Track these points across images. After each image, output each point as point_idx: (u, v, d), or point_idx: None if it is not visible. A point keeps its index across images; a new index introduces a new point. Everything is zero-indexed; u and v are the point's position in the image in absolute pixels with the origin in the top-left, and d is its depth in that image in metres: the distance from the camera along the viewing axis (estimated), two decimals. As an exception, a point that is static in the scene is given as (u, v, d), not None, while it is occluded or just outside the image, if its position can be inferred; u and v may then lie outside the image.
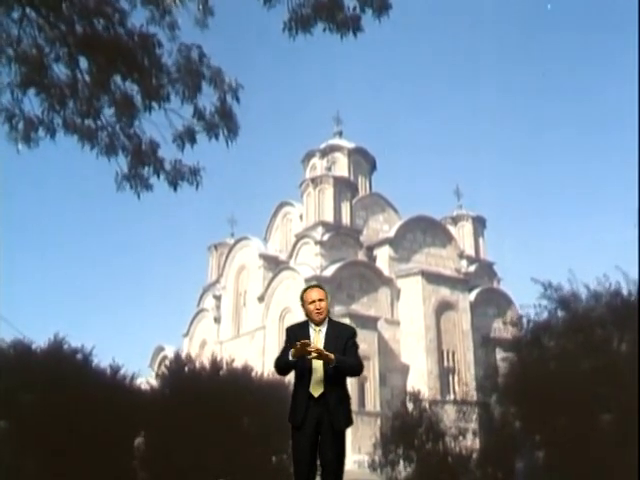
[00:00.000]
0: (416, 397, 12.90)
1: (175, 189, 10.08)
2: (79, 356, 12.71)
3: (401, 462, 12.44)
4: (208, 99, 9.26)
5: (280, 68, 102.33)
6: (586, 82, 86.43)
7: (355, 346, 4.71)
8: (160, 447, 12.90)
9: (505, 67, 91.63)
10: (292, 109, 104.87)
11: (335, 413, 4.48)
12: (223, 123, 9.47)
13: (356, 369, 4.69)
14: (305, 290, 4.86)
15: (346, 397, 4.69)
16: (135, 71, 9.06)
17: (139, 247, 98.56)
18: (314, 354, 4.37)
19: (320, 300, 4.70)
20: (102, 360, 13.28)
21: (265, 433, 12.95)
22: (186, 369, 13.31)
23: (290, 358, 4.45)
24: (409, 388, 14.57)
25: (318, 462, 4.56)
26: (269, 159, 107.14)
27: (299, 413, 4.51)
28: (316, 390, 4.50)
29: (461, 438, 12.16)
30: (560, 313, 11.45)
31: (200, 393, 12.38)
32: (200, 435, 12.15)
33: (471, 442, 12.22)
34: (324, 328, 4.70)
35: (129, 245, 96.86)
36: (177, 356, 13.75)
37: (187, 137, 9.71)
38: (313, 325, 4.71)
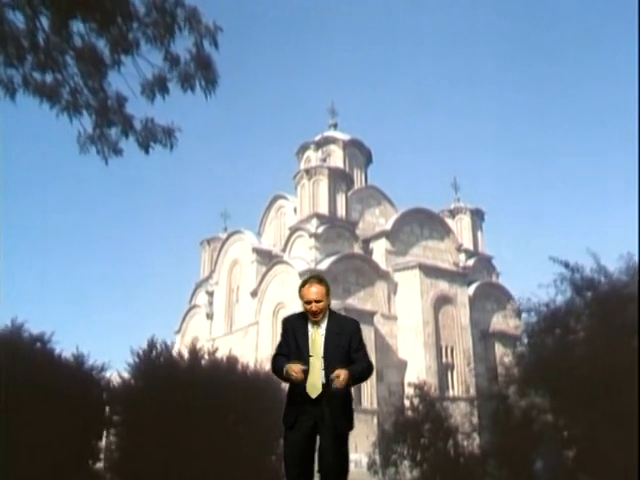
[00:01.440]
0: (422, 389, 11.61)
1: (147, 151, 8.83)
2: (41, 345, 11.37)
3: (405, 462, 11.17)
4: (182, 44, 8.08)
5: (274, 60, 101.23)
6: (587, 75, 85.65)
7: (362, 344, 4.32)
8: (132, 447, 11.54)
9: (505, 59, 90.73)
10: (287, 102, 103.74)
11: (337, 416, 4.08)
12: (200, 73, 8.30)
13: (366, 374, 4.30)
14: (303, 284, 4.34)
15: (348, 398, 4.25)
16: (100, 16, 7.87)
17: (133, 244, 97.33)
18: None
19: (317, 301, 4.23)
20: (91, 358, 12.21)
21: (252, 431, 11.61)
22: (161, 358, 11.96)
23: (283, 375, 4.07)
24: (414, 379, 13.17)
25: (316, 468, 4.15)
26: (263, 153, 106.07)
27: (292, 414, 4.14)
28: (313, 391, 4.07)
29: (475, 435, 10.89)
30: (579, 294, 10.35)
31: (177, 386, 10.88)
32: (177, 434, 10.87)
33: (486, 440, 10.91)
34: (324, 323, 4.29)
35: (124, 242, 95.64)
36: (150, 344, 12.39)
37: (158, 87, 8.50)
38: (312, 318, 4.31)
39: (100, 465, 12.18)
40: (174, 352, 12.78)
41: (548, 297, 10.62)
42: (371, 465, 11.92)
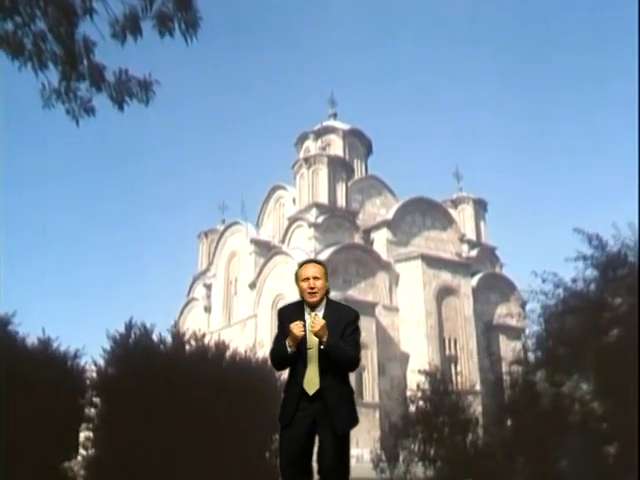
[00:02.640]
0: (434, 377, 10.32)
1: (121, 107, 7.82)
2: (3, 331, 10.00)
3: (416, 459, 9.91)
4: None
5: (272, 51, 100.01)
6: (589, 61, 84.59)
7: (356, 333, 3.89)
8: (110, 443, 10.33)
9: (506, 45, 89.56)
10: (286, 93, 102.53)
11: (335, 412, 3.70)
12: (179, 14, 7.27)
13: (351, 362, 3.84)
14: (300, 265, 4.05)
15: (349, 393, 3.89)
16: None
17: (131, 238, 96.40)
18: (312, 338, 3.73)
19: (315, 278, 3.88)
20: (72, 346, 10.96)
21: (244, 425, 10.44)
22: (140, 343, 10.60)
23: (288, 350, 3.72)
24: (426, 366, 11.85)
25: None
26: (261, 145, 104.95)
27: (289, 411, 3.77)
28: (311, 387, 3.74)
29: (497, 429, 9.55)
30: (608, 269, 9.25)
31: (159, 374, 9.90)
32: (159, 428, 9.69)
33: (511, 433, 9.53)
34: (321, 312, 3.89)
35: (121, 237, 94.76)
36: (128, 327, 11.07)
37: (130, 28, 7.49)
38: (308, 307, 3.90)
39: (75, 462, 11.03)
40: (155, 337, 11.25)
41: (575, 272, 9.56)
42: (377, 463, 10.55)
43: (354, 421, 3.78)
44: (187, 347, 11.28)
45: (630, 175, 74.64)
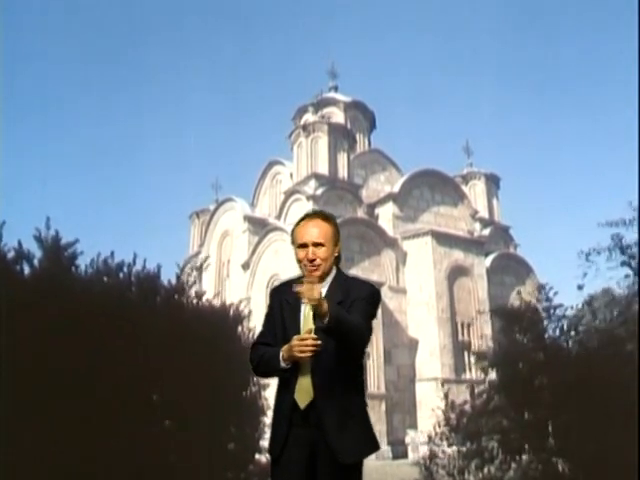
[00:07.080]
0: (528, 318, 5.56)
1: None
2: None
3: (498, 472, 5.50)
4: None
5: (270, 21, 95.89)
6: (595, 40, 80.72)
7: (366, 312, 2.58)
8: None
9: (518, 14, 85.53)
10: (284, 64, 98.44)
11: (336, 437, 2.45)
12: None
13: (358, 336, 2.44)
14: (298, 222, 2.82)
15: (359, 405, 2.60)
16: None
17: (127, 227, 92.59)
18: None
19: (317, 245, 2.67)
20: None
21: (195, 410, 6.15)
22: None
23: (281, 364, 2.49)
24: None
25: None
26: (257, 122, 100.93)
27: (278, 438, 2.56)
28: (303, 397, 2.52)
29: None
30: None
31: (46, 318, 5.09)
32: (60, 409, 5.50)
33: None
34: (326, 287, 2.66)
35: (119, 226, 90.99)
36: None
37: None
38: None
39: None
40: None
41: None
42: (426, 466, 5.82)
43: (368, 447, 2.50)
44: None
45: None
